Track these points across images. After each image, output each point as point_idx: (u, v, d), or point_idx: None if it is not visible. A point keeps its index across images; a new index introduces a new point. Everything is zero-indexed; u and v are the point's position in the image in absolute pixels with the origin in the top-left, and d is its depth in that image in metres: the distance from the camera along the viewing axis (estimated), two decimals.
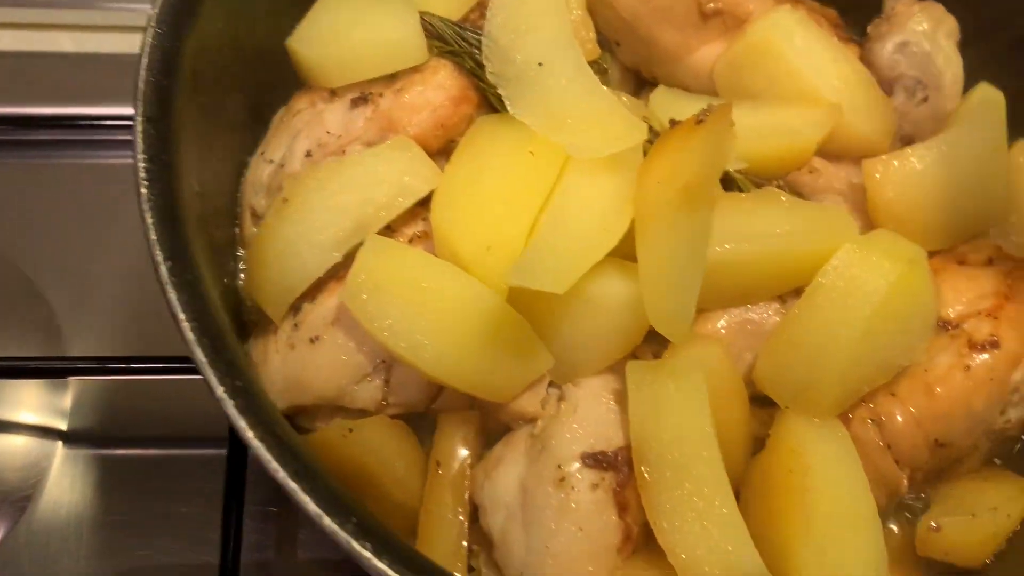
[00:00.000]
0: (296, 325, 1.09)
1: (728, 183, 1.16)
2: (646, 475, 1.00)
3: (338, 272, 1.08)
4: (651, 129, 1.17)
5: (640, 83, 1.36)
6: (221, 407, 0.83)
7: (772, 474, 1.05)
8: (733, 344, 1.12)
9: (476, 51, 1.17)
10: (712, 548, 0.96)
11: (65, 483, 1.38)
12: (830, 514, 1.01)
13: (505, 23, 1.14)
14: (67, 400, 1.43)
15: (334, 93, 1.19)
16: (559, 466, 1.03)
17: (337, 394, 1.08)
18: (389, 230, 1.11)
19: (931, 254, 1.16)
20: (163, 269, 0.85)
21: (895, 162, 1.16)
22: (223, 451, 1.30)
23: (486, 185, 1.09)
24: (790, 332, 1.07)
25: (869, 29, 1.32)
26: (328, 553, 1.37)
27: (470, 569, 1.07)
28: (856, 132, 1.23)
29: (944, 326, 1.13)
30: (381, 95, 1.16)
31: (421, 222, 1.13)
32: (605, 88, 1.14)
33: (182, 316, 0.84)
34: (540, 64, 1.13)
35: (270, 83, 1.25)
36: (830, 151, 1.24)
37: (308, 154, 1.15)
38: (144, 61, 0.96)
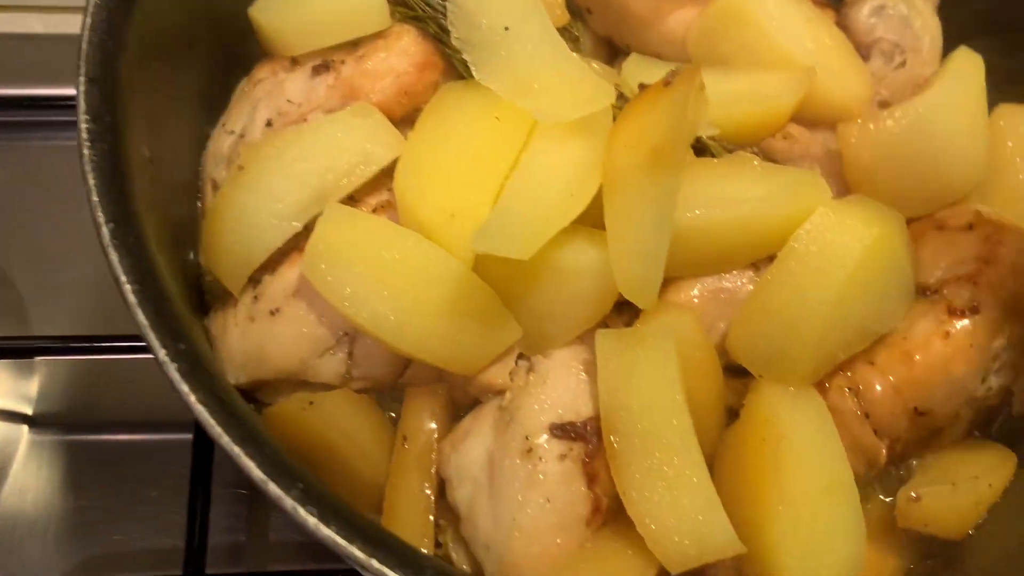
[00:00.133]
0: (256, 298, 1.06)
1: (701, 151, 1.14)
2: (615, 445, 0.98)
3: (299, 243, 1.05)
4: (622, 96, 1.15)
5: (613, 52, 1.34)
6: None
7: (745, 444, 1.02)
8: (706, 313, 1.09)
9: (441, 16, 1.14)
10: (682, 518, 0.93)
11: (31, 468, 1.36)
12: (805, 483, 0.98)
13: None
14: (33, 385, 1.41)
15: (295, 62, 1.16)
16: (527, 437, 1.00)
17: (299, 368, 1.05)
18: (352, 200, 1.09)
19: (910, 220, 1.14)
20: (105, 231, 0.82)
21: (871, 125, 1.13)
22: (190, 435, 1.27)
23: (451, 152, 1.06)
24: (763, 299, 1.05)
25: None
26: (300, 536, 1.35)
27: (437, 545, 1.04)
28: (832, 98, 1.20)
29: (923, 292, 1.10)
30: (343, 62, 1.13)
31: (385, 192, 1.10)
32: (572, 53, 1.11)
33: (124, 279, 0.81)
34: (506, 29, 1.10)
35: (235, 55, 1.22)
36: (806, 118, 1.21)
37: (269, 123, 1.12)
38: (88, 21, 0.93)
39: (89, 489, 1.35)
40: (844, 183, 1.18)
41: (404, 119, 1.14)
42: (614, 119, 1.08)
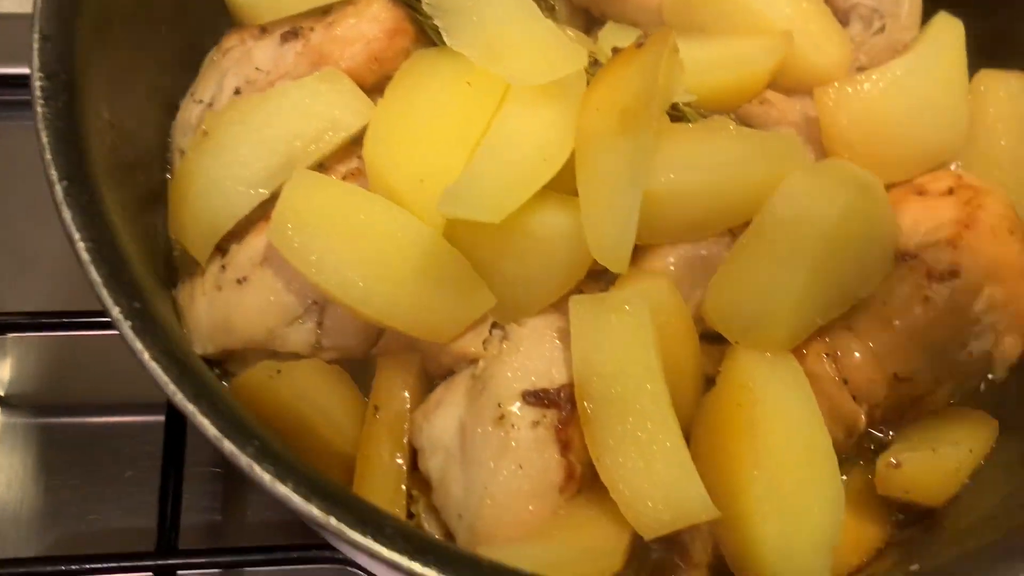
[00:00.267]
0: (223, 267, 1.04)
1: (677, 118, 1.12)
2: (589, 410, 0.96)
3: (267, 211, 1.03)
4: (597, 63, 1.13)
5: (591, 22, 1.32)
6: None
7: (721, 410, 1.01)
8: (683, 281, 1.07)
9: None
10: (656, 482, 0.92)
11: (4, 449, 1.34)
12: (781, 448, 0.97)
13: None
14: (5, 366, 1.39)
15: (264, 29, 1.14)
16: (499, 404, 0.98)
17: (266, 337, 1.04)
18: (322, 168, 1.07)
19: (890, 186, 1.13)
20: (58, 188, 0.80)
21: (849, 88, 1.12)
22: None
23: (421, 117, 1.05)
24: (739, 264, 1.03)
25: None
26: (277, 515, 1.33)
27: (410, 515, 1.03)
28: (809, 63, 1.18)
29: (903, 257, 1.08)
30: (312, 29, 1.12)
31: (355, 159, 1.08)
32: (544, 16, 1.10)
33: (76, 236, 0.79)
34: None
35: (205, 24, 1.20)
36: (783, 85, 1.20)
37: (237, 91, 1.11)
38: None
39: (63, 470, 1.33)
40: (822, 149, 1.16)
41: (375, 87, 1.12)
42: (588, 84, 1.07)
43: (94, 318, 1.26)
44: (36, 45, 0.87)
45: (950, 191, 1.13)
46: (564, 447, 0.97)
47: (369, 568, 1.06)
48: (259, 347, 1.05)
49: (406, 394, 1.06)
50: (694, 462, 0.95)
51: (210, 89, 1.13)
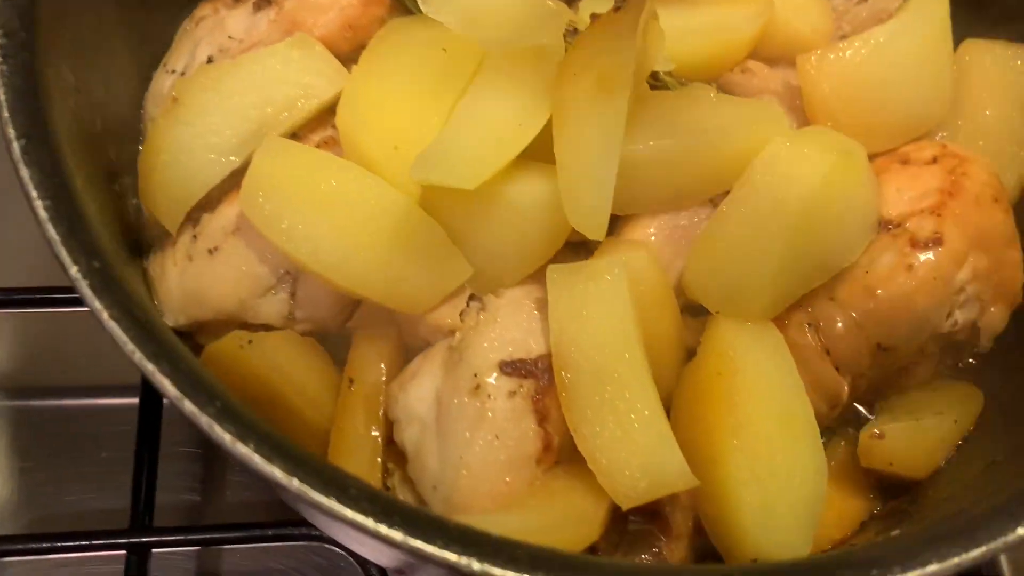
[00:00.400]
0: (194, 237, 1.03)
1: (657, 87, 1.10)
2: (566, 380, 0.94)
3: (239, 180, 1.01)
4: (576, 31, 1.11)
5: None
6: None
7: (701, 379, 0.99)
8: (663, 251, 1.06)
9: None
10: (633, 451, 0.90)
11: None
12: (761, 418, 0.95)
13: None
14: None
15: None
16: (475, 375, 0.97)
17: (238, 308, 1.02)
18: (296, 136, 1.06)
19: (874, 156, 1.11)
20: (15, 146, 0.78)
21: (831, 55, 1.10)
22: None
23: (396, 84, 1.03)
24: (718, 232, 1.02)
25: None
26: (257, 495, 1.32)
27: (386, 488, 1.01)
28: (791, 31, 1.17)
29: (886, 226, 1.07)
30: None
31: (329, 128, 1.07)
32: None
33: (34, 194, 0.77)
34: None
35: None
36: (765, 54, 1.18)
37: (210, 60, 1.09)
38: None
39: (39, 452, 1.33)
40: (805, 119, 1.14)
41: (350, 56, 1.10)
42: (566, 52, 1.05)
43: (69, 294, 1.24)
44: None
45: (934, 160, 1.11)
46: (541, 417, 0.96)
47: (339, 538, 1.04)
48: (231, 319, 1.03)
49: (382, 366, 1.04)
50: (675, 433, 0.93)
51: (183, 59, 1.12)
